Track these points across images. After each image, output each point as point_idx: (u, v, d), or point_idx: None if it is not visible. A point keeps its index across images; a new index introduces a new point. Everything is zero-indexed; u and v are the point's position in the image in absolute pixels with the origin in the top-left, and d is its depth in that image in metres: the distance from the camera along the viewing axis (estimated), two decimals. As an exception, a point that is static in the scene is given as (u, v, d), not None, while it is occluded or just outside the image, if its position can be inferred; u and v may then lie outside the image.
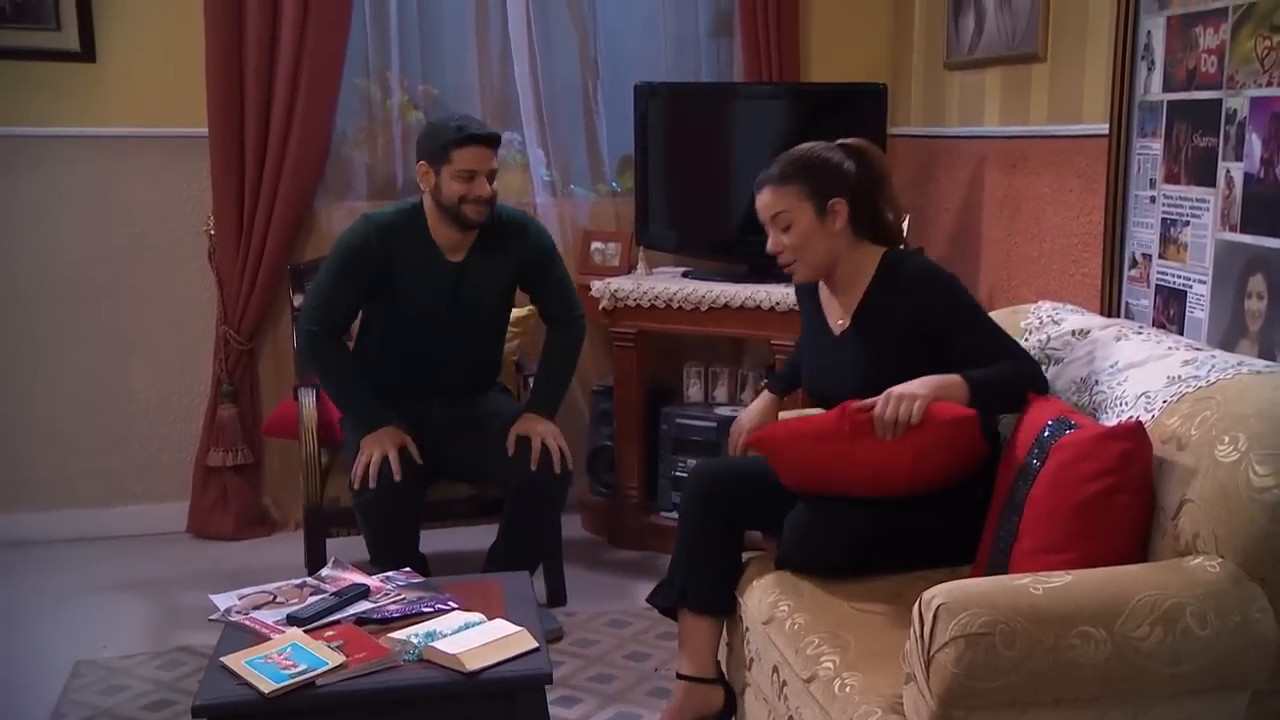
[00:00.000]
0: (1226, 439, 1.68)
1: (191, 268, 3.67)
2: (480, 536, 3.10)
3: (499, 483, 2.98)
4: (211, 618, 2.16)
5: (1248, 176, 2.21)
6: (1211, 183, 2.32)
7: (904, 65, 3.91)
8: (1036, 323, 2.41)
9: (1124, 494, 1.77)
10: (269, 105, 3.53)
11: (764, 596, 2.13)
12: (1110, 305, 2.69)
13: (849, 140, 2.29)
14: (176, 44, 3.53)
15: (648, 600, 2.35)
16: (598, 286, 3.54)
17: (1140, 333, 2.18)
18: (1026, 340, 2.37)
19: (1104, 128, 2.69)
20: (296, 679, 1.84)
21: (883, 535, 2.10)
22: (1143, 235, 2.59)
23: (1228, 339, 2.27)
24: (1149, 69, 2.54)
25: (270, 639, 2.00)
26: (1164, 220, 2.50)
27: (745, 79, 3.88)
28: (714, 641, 2.29)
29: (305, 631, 2.01)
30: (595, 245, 3.80)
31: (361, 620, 2.09)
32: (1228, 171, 2.27)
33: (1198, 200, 2.37)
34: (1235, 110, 2.24)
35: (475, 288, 2.91)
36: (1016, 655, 1.51)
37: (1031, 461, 1.94)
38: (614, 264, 3.75)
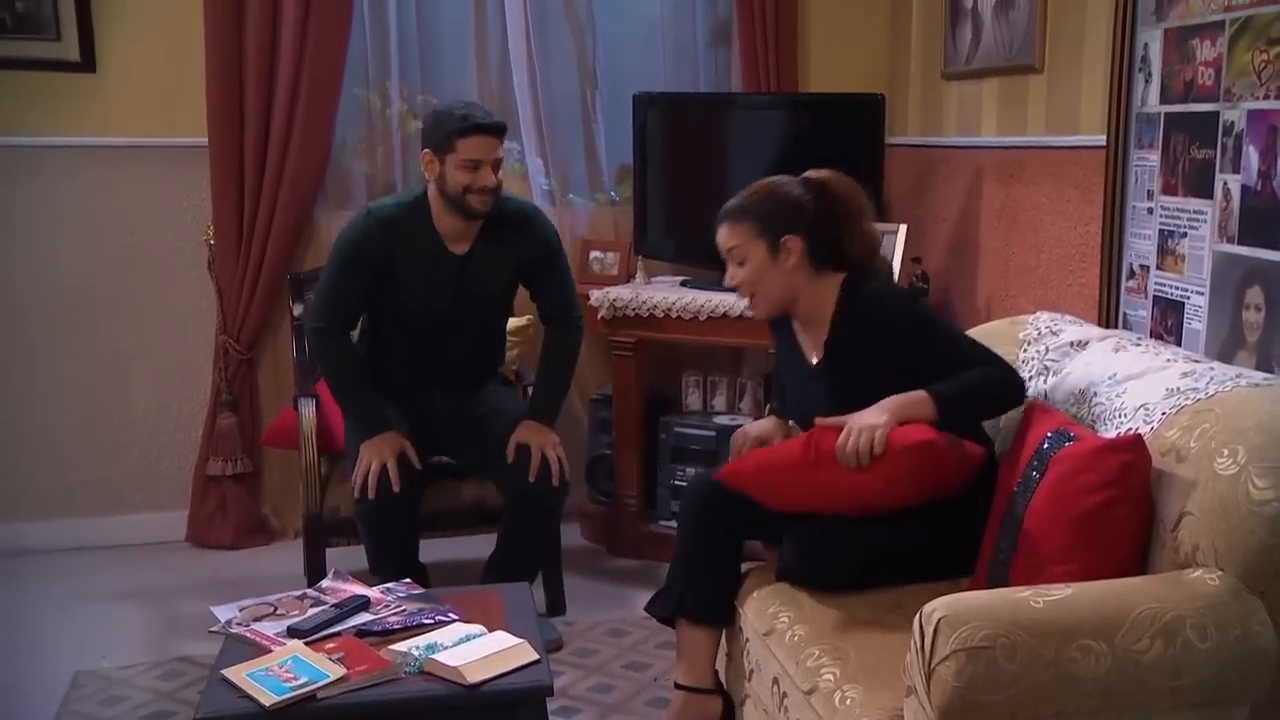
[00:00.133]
0: (1226, 452, 1.69)
1: (191, 277, 3.68)
2: (479, 546, 3.10)
3: (498, 485, 2.98)
4: (212, 629, 2.16)
5: (1245, 189, 2.22)
6: (1209, 194, 2.33)
7: (901, 75, 3.92)
8: (1035, 334, 2.42)
9: (1123, 506, 1.78)
10: (269, 115, 3.54)
11: (764, 607, 2.14)
12: (1108, 316, 2.70)
13: (815, 174, 2.29)
14: (176, 53, 3.54)
15: (646, 609, 2.36)
16: (596, 296, 3.54)
17: (1139, 344, 2.19)
18: (1025, 351, 2.38)
19: (1101, 139, 2.70)
20: (297, 692, 1.85)
21: (882, 551, 2.11)
22: (1140, 246, 2.60)
23: (1225, 350, 2.28)
24: (1146, 81, 2.55)
25: (271, 651, 2.00)
26: (1161, 231, 2.51)
27: (743, 89, 3.89)
28: (712, 652, 2.30)
29: (306, 644, 2.02)
30: (594, 254, 3.81)
31: (362, 632, 2.09)
32: (1225, 183, 2.28)
33: (1195, 212, 2.38)
34: (1232, 123, 2.25)
35: (479, 278, 2.88)
36: (1017, 668, 1.52)
37: (1031, 473, 1.94)
38: (613, 273, 3.76)
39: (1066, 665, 1.52)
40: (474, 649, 1.97)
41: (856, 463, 2.00)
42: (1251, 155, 2.19)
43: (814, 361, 2.28)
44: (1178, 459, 1.78)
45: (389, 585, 2.31)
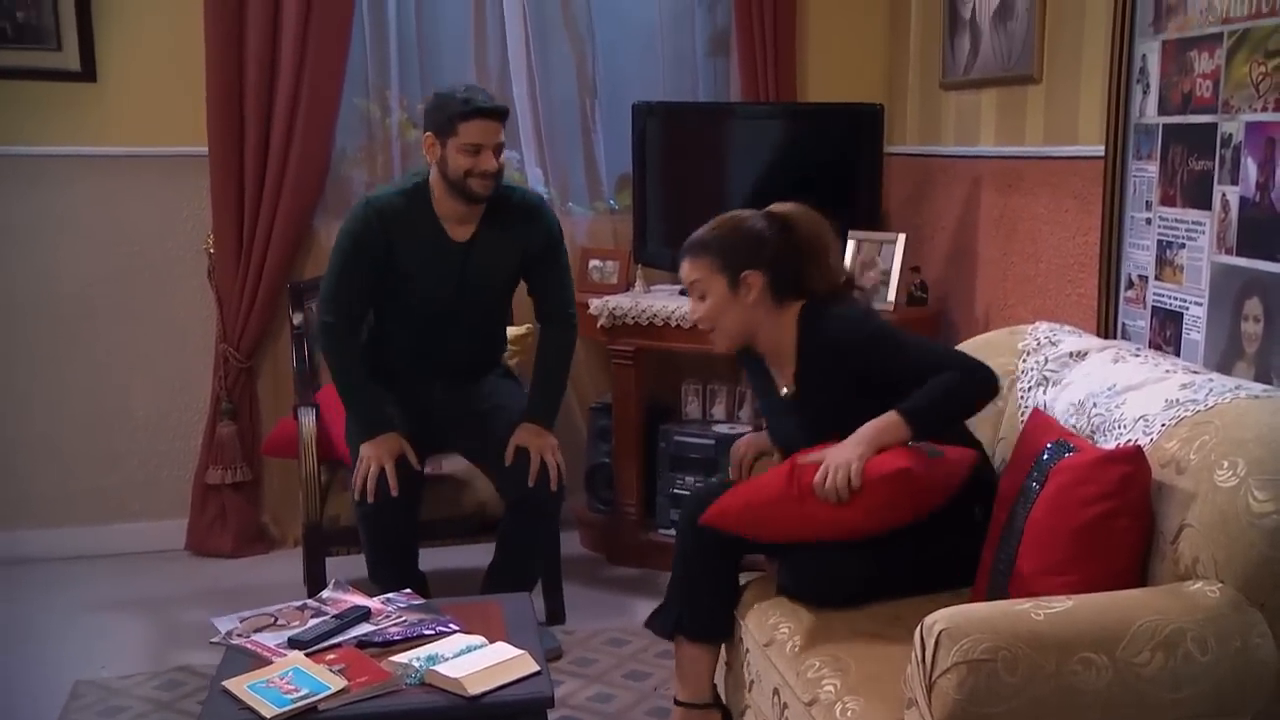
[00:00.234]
0: (1225, 464, 1.69)
1: (191, 286, 3.68)
2: (479, 555, 3.10)
3: (496, 486, 2.99)
4: (213, 640, 2.16)
5: (1243, 200, 2.23)
6: (1207, 206, 2.34)
7: (900, 85, 3.93)
8: (1034, 344, 2.42)
9: (1123, 518, 1.78)
10: (269, 124, 3.54)
11: (765, 618, 2.14)
12: (1107, 326, 2.70)
13: (779, 207, 2.27)
14: (177, 63, 3.54)
15: (646, 625, 2.36)
16: (596, 304, 3.55)
17: (1138, 355, 2.20)
18: (1024, 361, 2.39)
19: (1099, 149, 2.71)
20: (298, 704, 1.85)
21: (878, 571, 2.10)
22: (1139, 257, 2.60)
23: (1224, 361, 2.29)
24: (1144, 92, 2.56)
25: (272, 662, 2.00)
26: (1160, 242, 2.52)
27: (742, 98, 3.90)
28: (711, 667, 2.30)
29: (307, 655, 2.02)
30: (593, 263, 3.81)
31: (363, 643, 2.09)
32: (1223, 195, 2.29)
33: (1193, 223, 2.39)
34: (1230, 134, 2.26)
35: (482, 266, 2.86)
36: (1018, 681, 1.52)
37: (1031, 484, 1.95)
38: (612, 282, 3.77)
39: (1068, 678, 1.53)
40: (475, 660, 1.97)
41: (836, 498, 2.00)
42: (1250, 167, 2.20)
43: (785, 393, 2.27)
44: (1177, 471, 1.78)
45: (389, 596, 2.31)
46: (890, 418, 2.05)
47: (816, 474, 2.02)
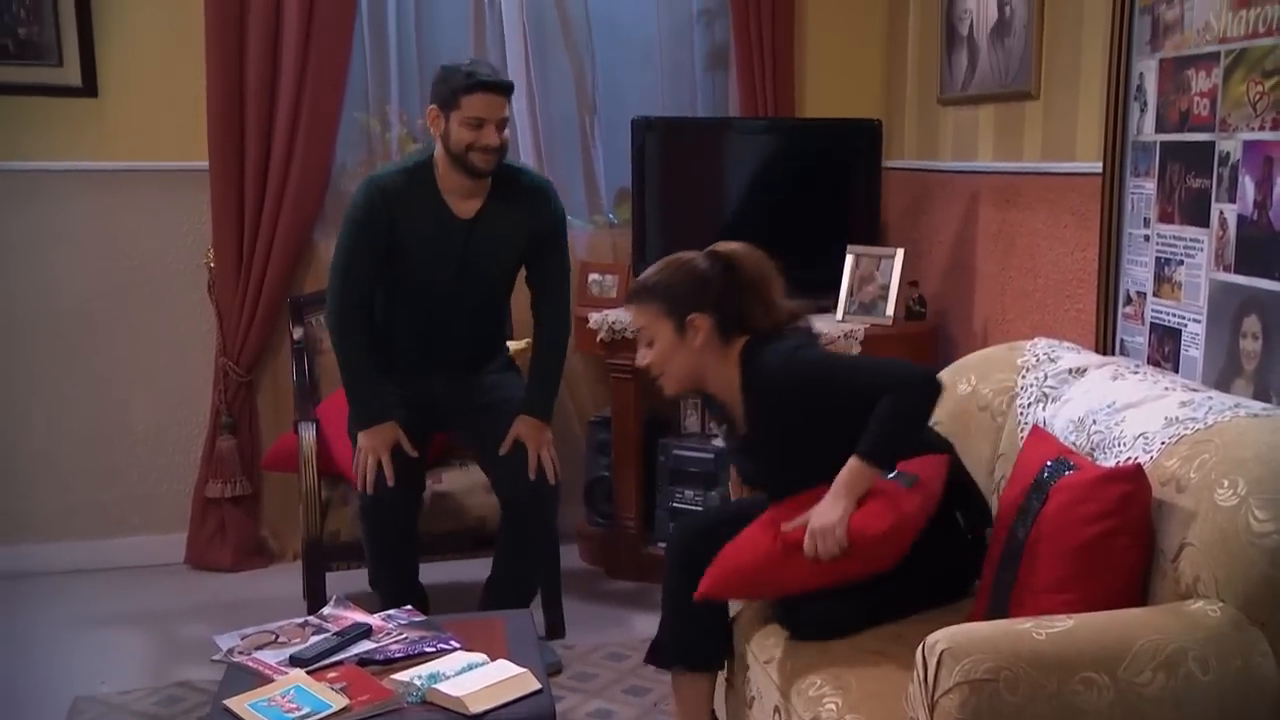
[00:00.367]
0: (1226, 483, 1.70)
1: (191, 300, 3.68)
2: (478, 569, 3.10)
3: (493, 487, 3.00)
4: (214, 658, 2.16)
5: (1241, 218, 2.24)
6: (1205, 223, 2.35)
7: (897, 99, 3.95)
8: (1033, 360, 2.43)
9: (1124, 536, 1.79)
10: (269, 138, 3.55)
11: (765, 637, 2.14)
12: (1105, 342, 2.71)
13: (724, 247, 2.25)
14: (178, 79, 3.55)
15: (645, 660, 2.38)
16: (595, 318, 3.55)
17: (1137, 372, 2.21)
18: (1023, 377, 2.39)
19: (1097, 166, 2.73)
20: (301, 722, 1.85)
21: (876, 602, 2.08)
22: (1137, 273, 2.62)
23: (1223, 378, 2.30)
24: (1141, 110, 2.57)
25: (273, 680, 2.00)
26: (1158, 259, 2.53)
27: (741, 113, 3.91)
28: (708, 695, 2.32)
29: (308, 673, 2.02)
30: (593, 277, 3.82)
31: (364, 661, 2.09)
32: (1221, 213, 2.30)
33: (1191, 240, 2.40)
34: (1228, 153, 2.27)
35: (487, 244, 2.83)
36: (1020, 701, 1.52)
37: (1031, 502, 1.95)
38: (611, 295, 3.77)
39: (1069, 698, 1.53)
40: (476, 678, 1.98)
41: (827, 559, 1.99)
42: (1247, 185, 2.22)
43: (743, 432, 2.25)
44: (1178, 489, 1.79)
45: (390, 613, 2.31)
46: (856, 466, 2.02)
47: (805, 543, 1.99)
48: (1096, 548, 1.79)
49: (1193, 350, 2.41)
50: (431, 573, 3.10)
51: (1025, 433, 2.25)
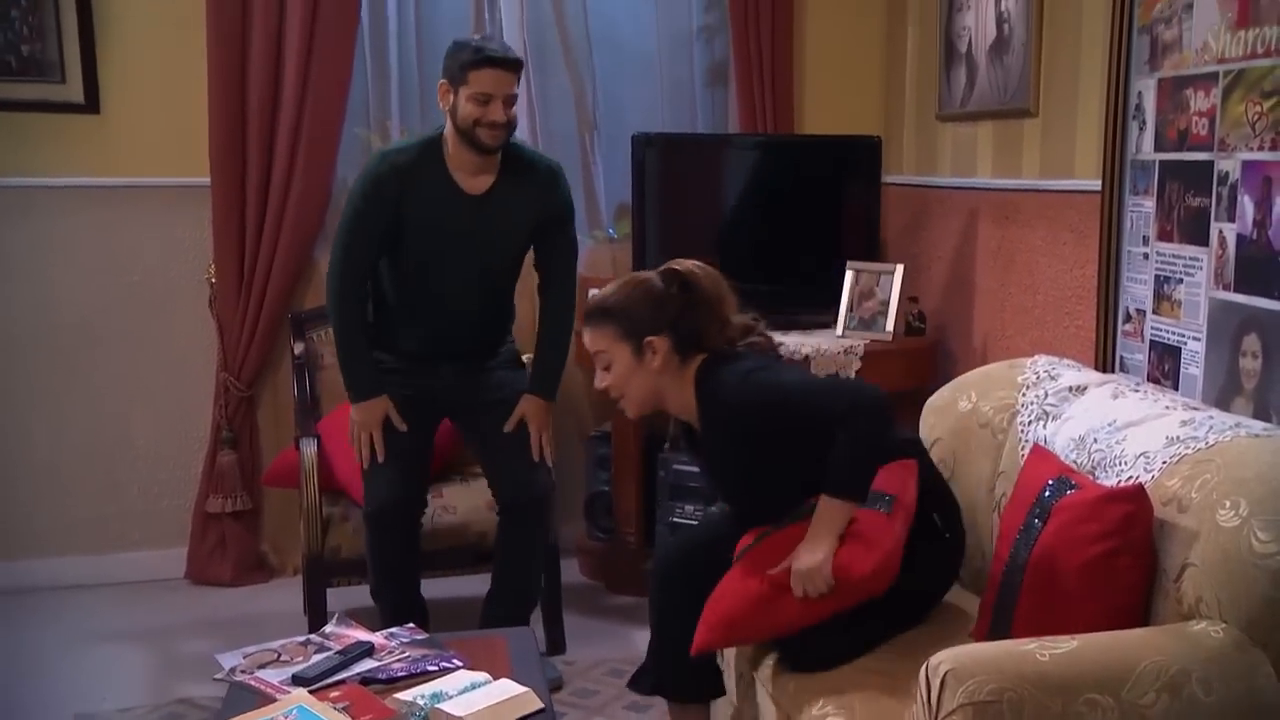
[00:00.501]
0: (1228, 503, 1.70)
1: (192, 315, 3.69)
2: (479, 585, 3.10)
3: (490, 484, 3.01)
4: (216, 677, 2.16)
5: (1240, 238, 2.25)
6: (1204, 242, 2.36)
7: (896, 115, 3.97)
8: (1033, 378, 2.43)
9: (1126, 556, 1.80)
10: (271, 154, 3.56)
11: (769, 658, 2.14)
12: (1104, 359, 2.72)
13: (679, 265, 2.24)
14: (179, 95, 3.56)
15: (628, 686, 2.39)
16: (596, 334, 3.55)
17: (1137, 390, 2.21)
18: (1024, 395, 2.40)
19: (1096, 184, 2.74)
20: (305, 743, 1.85)
21: (871, 625, 2.08)
22: (1136, 290, 2.63)
23: (1223, 397, 2.30)
24: (1140, 128, 2.58)
25: (276, 700, 2.00)
26: (1158, 277, 2.54)
27: (740, 129, 3.93)
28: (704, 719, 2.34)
29: (310, 692, 2.01)
30: (593, 292, 3.79)
31: (367, 680, 2.09)
32: (1220, 232, 2.31)
33: (1190, 259, 2.42)
34: (1227, 172, 2.28)
35: (495, 221, 2.81)
36: (1024, 722, 1.53)
37: (1033, 521, 1.96)
38: (612, 311, 3.77)
39: (1073, 719, 1.53)
40: (479, 698, 1.97)
41: (816, 597, 2.00)
42: (1246, 205, 2.23)
43: (708, 448, 2.26)
44: (1179, 509, 1.80)
45: (392, 631, 2.31)
46: (831, 506, 2.02)
47: (792, 585, 2.00)
48: (1099, 567, 1.80)
49: (1193, 368, 2.42)
50: (431, 589, 3.09)
51: (1026, 450, 2.26)
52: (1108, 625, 1.73)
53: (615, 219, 4.05)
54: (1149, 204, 2.56)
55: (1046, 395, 2.34)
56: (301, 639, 2.27)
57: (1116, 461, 2.01)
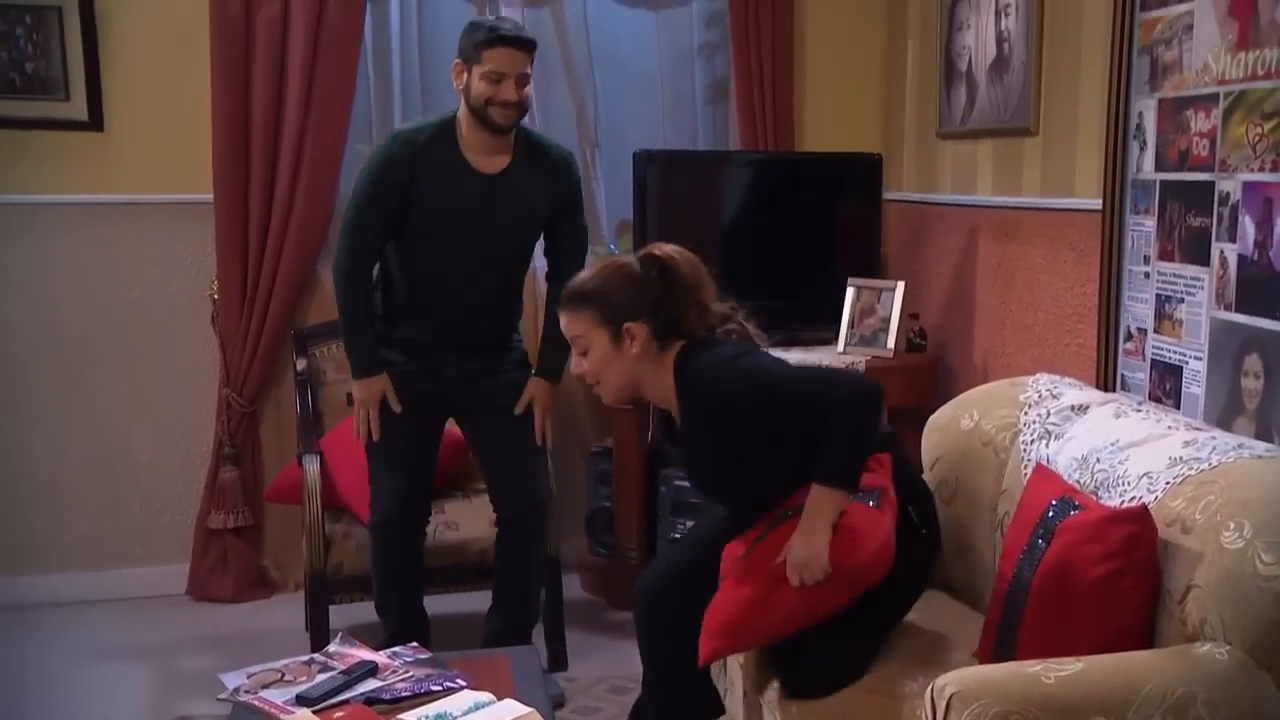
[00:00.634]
0: (1232, 525, 1.71)
1: (194, 331, 3.69)
2: (480, 602, 3.10)
3: (488, 489, 3.02)
4: (220, 697, 2.16)
5: (1241, 258, 2.26)
6: (1205, 262, 2.37)
7: (896, 132, 3.98)
8: (1035, 396, 2.44)
9: (1130, 577, 1.80)
10: (274, 171, 3.57)
11: (773, 684, 2.13)
12: (1106, 378, 2.73)
13: (658, 249, 2.21)
14: (183, 112, 3.58)
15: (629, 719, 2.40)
16: (598, 350, 3.56)
17: (1139, 410, 2.22)
18: (1026, 414, 2.40)
19: (1097, 203, 2.75)
20: (310, 764, 1.85)
21: (862, 636, 2.09)
22: (1138, 309, 2.63)
23: (1225, 417, 2.31)
24: (1141, 148, 2.60)
25: (280, 720, 2.00)
26: (1159, 296, 2.55)
27: (741, 147, 3.94)
28: None
29: (314, 712, 2.01)
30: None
31: (371, 700, 2.09)
32: (1221, 252, 2.32)
33: (1191, 278, 2.43)
34: (1228, 193, 2.29)
35: (507, 203, 2.80)
36: (1030, 745, 1.53)
37: (1037, 541, 1.97)
38: (613, 327, 3.78)
39: (1079, 742, 1.54)
40: (483, 719, 1.97)
41: (812, 584, 2.00)
42: (1248, 226, 2.24)
43: (688, 439, 2.23)
44: (1183, 530, 1.80)
45: (396, 650, 2.31)
46: (823, 494, 2.01)
47: (789, 574, 2.00)
48: (1103, 588, 1.80)
49: (1194, 387, 2.42)
50: (433, 605, 3.09)
51: (1028, 469, 2.27)
52: (1112, 646, 1.74)
53: (616, 235, 4.06)
54: (1150, 223, 2.57)
55: (1049, 414, 2.35)
56: (305, 658, 2.27)
57: (1120, 481, 2.02)
